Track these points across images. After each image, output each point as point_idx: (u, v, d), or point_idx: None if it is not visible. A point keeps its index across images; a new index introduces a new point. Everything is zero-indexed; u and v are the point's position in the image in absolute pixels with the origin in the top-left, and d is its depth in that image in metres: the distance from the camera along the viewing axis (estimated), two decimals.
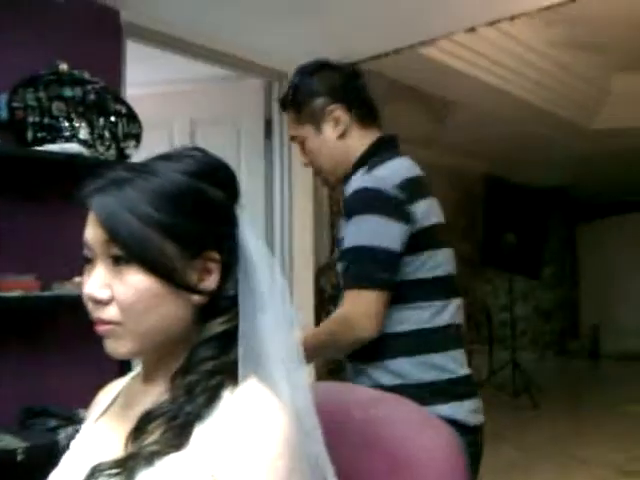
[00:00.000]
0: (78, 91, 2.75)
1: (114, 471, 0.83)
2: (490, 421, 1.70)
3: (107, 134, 2.79)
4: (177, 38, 3.22)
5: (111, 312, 0.87)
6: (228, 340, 0.90)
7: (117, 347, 0.89)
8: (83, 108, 2.74)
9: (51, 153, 2.50)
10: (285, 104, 1.85)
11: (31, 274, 2.34)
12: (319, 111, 1.76)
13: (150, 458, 0.82)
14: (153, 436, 0.85)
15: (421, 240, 1.63)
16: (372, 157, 1.71)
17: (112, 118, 2.82)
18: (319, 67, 1.80)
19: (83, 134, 2.71)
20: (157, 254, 0.86)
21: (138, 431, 0.86)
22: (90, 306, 0.89)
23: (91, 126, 2.75)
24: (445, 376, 1.61)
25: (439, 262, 1.67)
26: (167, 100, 3.74)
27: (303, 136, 1.80)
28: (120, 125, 2.84)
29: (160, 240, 0.87)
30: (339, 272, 1.71)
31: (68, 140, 2.65)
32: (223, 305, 0.91)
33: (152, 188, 0.88)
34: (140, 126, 2.92)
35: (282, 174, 3.73)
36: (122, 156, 2.80)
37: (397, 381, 1.59)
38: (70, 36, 2.81)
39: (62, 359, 2.33)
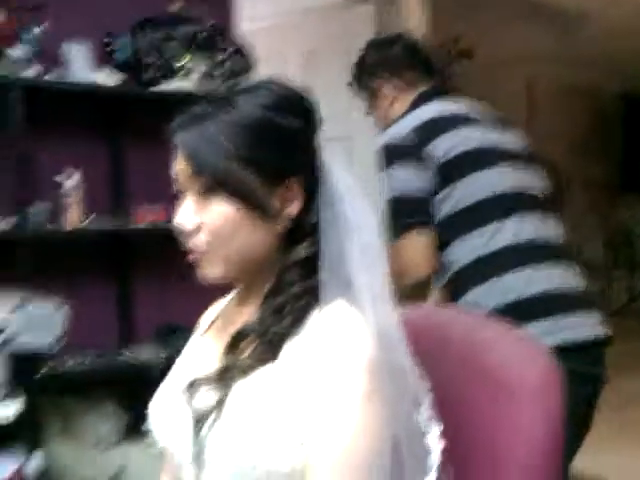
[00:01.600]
0: (190, 30, 2.85)
1: (212, 382, 0.92)
2: (624, 350, 1.62)
3: (219, 71, 2.89)
4: None
5: (200, 240, 0.94)
6: (314, 264, 0.94)
7: (207, 272, 0.97)
8: (195, 47, 2.85)
9: (166, 91, 2.63)
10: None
11: (159, 204, 2.54)
12: (376, 79, 2.03)
13: (244, 370, 0.90)
14: (246, 352, 0.92)
15: (451, 172, 1.70)
16: (409, 111, 1.88)
17: (223, 55, 2.90)
18: (374, 44, 2.14)
19: (196, 72, 2.83)
20: (238, 184, 0.91)
21: (232, 347, 0.94)
22: (182, 235, 0.97)
23: (203, 64, 2.86)
24: (511, 298, 1.61)
25: (480, 185, 1.69)
26: (280, 33, 3.77)
27: (363, 95, 2.10)
28: (231, 61, 2.92)
29: (241, 170, 0.91)
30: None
31: (182, 78, 2.78)
32: (307, 230, 0.96)
33: (231, 121, 0.92)
34: (251, 62, 2.98)
35: None
36: None
37: None
38: None
39: (190, 282, 2.53)
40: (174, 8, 2.84)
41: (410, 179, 1.71)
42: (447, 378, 1.07)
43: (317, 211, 0.95)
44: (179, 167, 0.95)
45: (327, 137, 3.57)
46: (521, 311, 1.59)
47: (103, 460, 2.22)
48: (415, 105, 1.87)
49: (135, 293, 2.69)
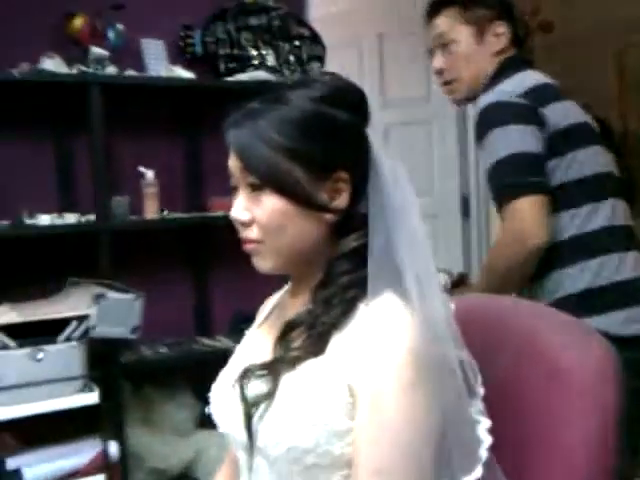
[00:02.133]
0: (263, 19, 2.87)
1: (262, 372, 0.94)
2: None
3: (292, 58, 2.90)
4: None
5: (253, 232, 0.96)
6: (363, 256, 0.95)
7: (261, 263, 0.99)
8: (269, 35, 2.87)
9: (241, 82, 2.65)
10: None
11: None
12: (487, 20, 1.76)
13: (293, 362, 0.92)
14: (295, 343, 0.94)
15: (560, 142, 1.60)
16: (499, 76, 1.71)
17: (296, 42, 2.91)
18: None
19: (270, 61, 2.85)
20: (286, 178, 0.93)
21: (282, 338, 0.96)
22: (238, 227, 0.99)
23: (277, 52, 2.87)
24: (596, 284, 1.56)
25: (584, 162, 1.61)
26: (353, 17, 3.73)
27: (454, 38, 1.78)
28: (304, 48, 2.93)
29: (289, 165, 0.93)
30: (492, 200, 1.68)
31: (257, 68, 2.80)
32: (356, 222, 0.97)
33: (280, 116, 0.93)
34: (324, 48, 2.98)
35: None
36: None
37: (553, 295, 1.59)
38: None
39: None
40: None
41: (527, 139, 1.56)
42: (503, 368, 1.05)
43: (366, 203, 0.96)
44: (232, 162, 0.97)
45: (404, 121, 3.52)
46: (606, 298, 1.56)
47: (180, 447, 2.29)
48: (506, 70, 1.71)
49: (211, 283, 2.76)
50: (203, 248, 2.76)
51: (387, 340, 0.87)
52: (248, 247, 0.98)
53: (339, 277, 0.94)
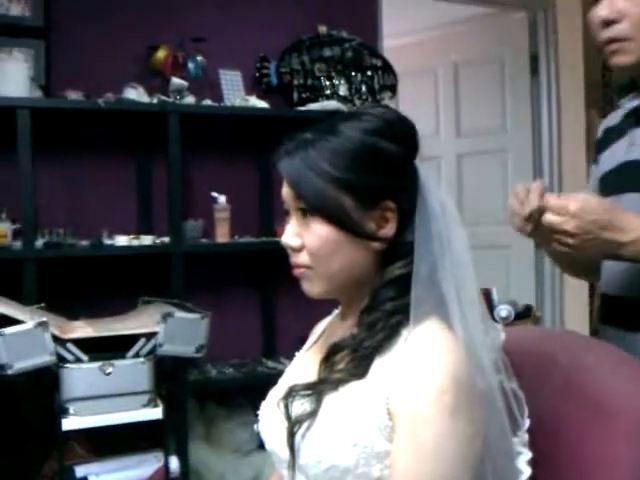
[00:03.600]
0: (337, 50, 2.95)
1: (306, 392, 0.97)
2: None
3: (364, 88, 2.96)
4: None
5: (302, 258, 1.01)
6: (408, 283, 0.97)
7: (309, 288, 1.03)
8: (342, 66, 2.94)
9: (313, 112, 2.72)
10: None
11: None
12: None
13: (335, 384, 0.95)
14: (340, 365, 0.97)
15: None
16: None
17: (368, 72, 2.97)
18: None
19: (342, 90, 2.92)
20: (335, 207, 0.96)
21: (327, 360, 0.99)
22: (289, 252, 1.04)
23: (349, 82, 2.94)
24: None
25: None
26: (429, 46, 3.76)
27: None
28: (376, 78, 2.98)
29: (338, 194, 0.96)
30: None
31: (329, 98, 2.88)
32: (402, 251, 0.99)
33: (331, 147, 0.97)
34: (395, 77, 3.02)
35: (550, 111, 3.53)
36: None
37: None
38: None
39: None
40: (322, 30, 2.94)
41: None
42: (548, 402, 1.04)
43: (413, 231, 0.98)
44: (285, 190, 1.01)
45: (480, 150, 3.51)
46: None
47: (242, 466, 2.34)
48: None
49: (278, 306, 2.82)
50: (271, 272, 2.83)
51: (428, 365, 0.88)
52: (297, 272, 1.02)
53: (384, 303, 0.97)
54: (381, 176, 0.97)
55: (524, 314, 2.79)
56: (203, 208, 2.64)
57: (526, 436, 0.96)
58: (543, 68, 3.53)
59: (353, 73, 2.95)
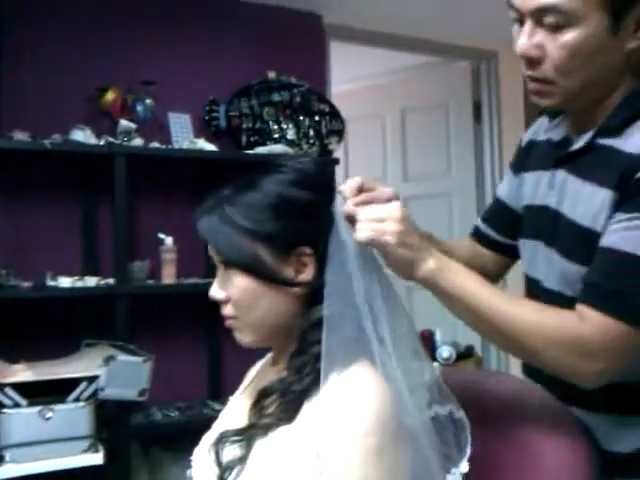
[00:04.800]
0: (285, 95, 3.00)
1: (236, 438, 0.98)
2: None
3: (312, 132, 3.01)
4: (379, 33, 3.33)
5: (228, 309, 1.03)
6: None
7: (240, 337, 1.05)
8: (290, 110, 3.00)
9: (261, 155, 2.76)
10: None
11: None
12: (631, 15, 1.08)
13: (265, 429, 0.96)
14: (269, 410, 0.98)
15: None
16: None
17: (316, 117, 3.04)
18: None
19: (290, 134, 2.97)
20: (250, 258, 0.99)
21: (256, 405, 1.00)
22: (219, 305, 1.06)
23: (297, 126, 2.99)
24: None
25: None
26: (376, 93, 3.86)
27: (573, 22, 1.05)
28: (324, 123, 3.05)
29: (252, 245, 0.99)
30: (575, 275, 1.14)
31: (277, 141, 2.93)
32: (324, 292, 1.00)
33: (246, 201, 1.01)
34: (342, 122, 3.09)
35: (492, 156, 3.66)
36: (325, 152, 3.00)
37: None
38: (277, 45, 3.07)
39: None
40: (271, 75, 3.01)
41: None
42: (479, 443, 1.06)
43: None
44: (209, 247, 1.04)
45: (426, 193, 3.56)
46: None
47: None
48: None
49: (224, 347, 2.80)
50: (217, 314, 2.77)
51: (352, 409, 0.90)
52: (227, 323, 1.05)
53: (311, 346, 0.98)
54: (294, 224, 1.00)
55: (466, 354, 2.84)
56: (150, 249, 2.64)
57: (466, 466, 0.98)
58: (486, 114, 3.68)
59: (301, 118, 3.01)
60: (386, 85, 3.84)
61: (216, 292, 1.04)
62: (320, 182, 1.04)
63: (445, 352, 2.71)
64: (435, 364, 1.09)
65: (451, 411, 1.03)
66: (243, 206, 1.00)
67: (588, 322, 1.01)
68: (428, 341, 2.73)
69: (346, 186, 1.02)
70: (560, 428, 1.10)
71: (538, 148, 1.30)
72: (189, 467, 1.10)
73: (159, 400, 2.55)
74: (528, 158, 1.32)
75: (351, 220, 0.99)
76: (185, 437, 2.63)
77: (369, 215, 0.98)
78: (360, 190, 1.02)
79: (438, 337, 2.83)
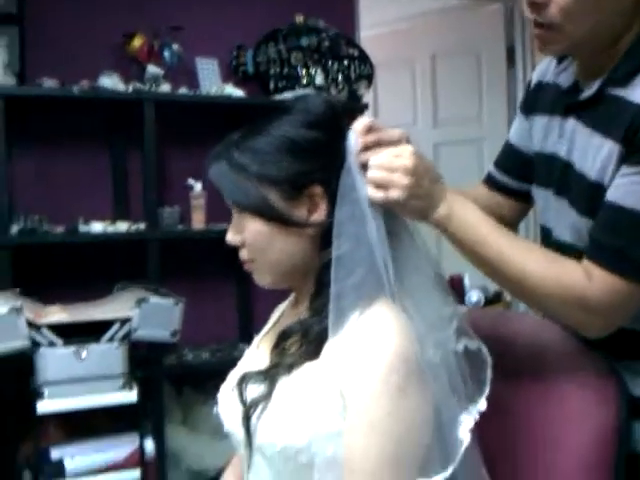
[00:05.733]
0: (314, 39, 2.96)
1: (259, 378, 1.00)
2: None
3: (340, 77, 2.98)
4: None
5: (245, 253, 1.04)
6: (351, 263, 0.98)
7: (258, 279, 1.06)
8: (318, 55, 2.96)
9: (289, 100, 2.73)
10: None
11: None
12: None
13: (288, 367, 0.97)
14: (291, 350, 1.00)
15: None
16: None
17: (345, 62, 2.99)
18: None
19: (318, 79, 2.93)
20: (260, 202, 0.99)
21: (278, 346, 1.02)
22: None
23: (325, 71, 2.96)
24: None
25: None
26: (406, 37, 3.79)
27: None
28: (353, 68, 3.00)
29: (262, 189, 0.99)
30: (584, 227, 1.10)
31: (305, 87, 2.90)
32: (333, 232, 1.00)
33: (253, 145, 1.00)
34: (372, 67, 3.04)
35: None
36: (353, 97, 2.96)
37: None
38: None
39: None
40: (299, 19, 2.96)
41: None
42: (501, 383, 1.06)
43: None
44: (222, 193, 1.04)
45: (457, 140, 3.51)
46: None
47: (218, 449, 2.36)
48: None
49: (253, 290, 2.84)
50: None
51: (376, 346, 0.90)
52: (245, 267, 1.06)
53: (328, 287, 0.97)
54: (303, 165, 0.99)
55: (495, 299, 2.84)
56: (179, 195, 2.66)
57: (484, 404, 0.98)
58: (519, 59, 3.57)
59: (329, 62, 2.97)
60: (416, 30, 3.76)
61: (232, 237, 1.05)
62: (328, 120, 1.02)
63: (474, 296, 2.71)
64: (463, 308, 1.09)
65: (472, 348, 1.03)
66: (251, 150, 1.00)
67: (594, 279, 1.00)
68: (457, 285, 2.73)
69: (356, 125, 0.99)
70: (585, 368, 1.09)
71: (547, 90, 1.24)
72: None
73: (190, 342, 2.61)
74: (537, 100, 1.27)
75: (363, 165, 0.98)
76: (216, 378, 2.68)
77: (380, 162, 0.96)
78: (369, 130, 0.99)
79: (467, 282, 2.83)
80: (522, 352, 1.16)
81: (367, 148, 0.98)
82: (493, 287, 2.90)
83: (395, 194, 0.95)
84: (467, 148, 3.70)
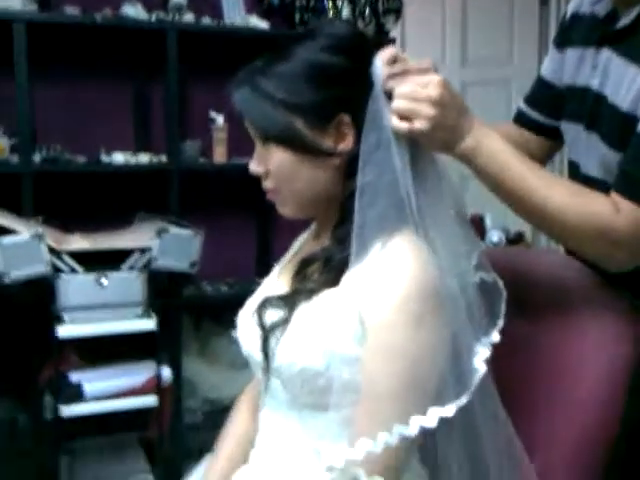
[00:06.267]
0: None
1: (279, 303, 1.00)
2: None
3: (368, 11, 2.89)
4: None
5: (269, 182, 1.03)
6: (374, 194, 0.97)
7: (282, 210, 1.05)
8: None
9: (314, 25, 2.66)
10: None
11: None
12: None
13: (309, 294, 0.98)
14: (312, 277, 1.00)
15: None
16: None
17: None
18: None
19: (345, 12, 2.86)
20: (287, 130, 0.97)
21: (299, 273, 1.02)
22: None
23: (353, 4, 2.87)
24: None
25: None
26: None
27: None
28: (381, 1, 2.91)
29: (288, 117, 0.97)
30: (613, 161, 1.09)
31: (332, 20, 2.82)
32: (359, 162, 0.98)
33: (278, 71, 0.98)
34: (401, 1, 2.95)
35: None
36: (381, 31, 2.89)
37: None
38: None
39: None
40: None
41: None
42: (527, 319, 1.09)
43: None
44: (246, 121, 1.02)
45: (486, 80, 3.43)
46: None
47: (234, 379, 2.40)
48: None
49: (273, 225, 2.84)
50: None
51: (395, 274, 0.91)
52: (269, 196, 1.05)
53: (352, 217, 0.96)
54: (329, 92, 0.96)
55: (516, 240, 2.81)
56: (201, 128, 2.64)
57: (497, 336, 0.98)
58: None
59: None
60: None
61: (255, 166, 1.03)
62: (355, 46, 0.99)
63: (494, 237, 2.68)
64: (483, 245, 1.08)
65: (489, 281, 1.03)
66: (276, 76, 0.97)
67: (621, 212, 0.98)
68: (478, 226, 2.70)
69: (382, 53, 0.97)
70: (604, 304, 1.09)
71: (582, 21, 1.21)
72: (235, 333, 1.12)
73: (209, 276, 2.64)
74: (571, 32, 1.24)
75: (389, 95, 0.95)
76: (234, 311, 2.72)
77: (404, 91, 0.94)
78: (395, 60, 0.96)
79: (488, 222, 2.80)
80: (541, 287, 1.17)
81: (394, 77, 0.95)
82: (514, 227, 2.87)
83: (419, 125, 0.93)
84: (496, 89, 3.61)
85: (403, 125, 0.93)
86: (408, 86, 0.94)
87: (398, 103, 0.94)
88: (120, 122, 2.63)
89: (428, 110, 0.93)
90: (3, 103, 2.32)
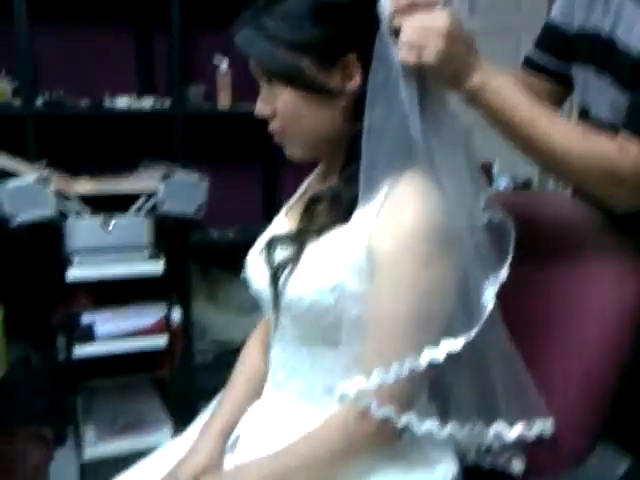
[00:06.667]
0: None
1: (288, 241, 1.01)
2: None
3: None
4: None
5: (275, 124, 1.02)
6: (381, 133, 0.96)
7: (289, 151, 1.05)
8: None
9: None
10: None
11: None
12: None
13: (317, 232, 0.98)
14: (320, 215, 1.00)
15: None
16: None
17: None
18: None
19: None
20: (292, 70, 0.95)
21: (306, 212, 1.02)
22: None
23: None
24: None
25: None
26: None
27: None
28: None
29: (294, 56, 0.95)
30: (624, 104, 1.07)
31: None
32: (366, 101, 0.97)
33: (282, 10, 0.95)
34: None
35: None
36: None
37: None
38: None
39: None
40: None
41: None
42: (531, 259, 1.08)
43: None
44: (250, 62, 1.00)
45: (493, 29, 3.32)
46: None
47: (242, 322, 2.42)
48: None
49: (280, 172, 2.83)
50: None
51: (404, 212, 0.90)
52: (276, 139, 1.04)
53: (359, 156, 0.95)
54: (335, 30, 0.94)
55: (523, 187, 2.80)
56: (205, 73, 2.62)
57: (505, 273, 0.98)
58: None
59: None
60: None
61: (261, 108, 1.02)
62: None
63: (502, 183, 2.67)
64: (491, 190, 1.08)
65: (496, 221, 1.03)
66: (280, 15, 0.94)
67: (628, 151, 0.97)
68: (486, 172, 2.69)
69: None
70: (610, 247, 1.09)
71: None
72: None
73: (215, 223, 2.64)
74: None
75: (396, 31, 0.92)
76: (241, 257, 2.74)
77: (413, 23, 0.91)
78: None
79: (496, 169, 2.78)
80: (548, 229, 1.16)
81: (401, 13, 0.92)
82: (522, 174, 2.85)
83: (428, 56, 0.91)
84: (504, 37, 3.53)
85: (411, 56, 0.91)
86: (417, 18, 0.91)
87: (406, 34, 0.91)
88: (123, 66, 2.60)
89: (437, 42, 0.90)
90: (4, 48, 2.29)
